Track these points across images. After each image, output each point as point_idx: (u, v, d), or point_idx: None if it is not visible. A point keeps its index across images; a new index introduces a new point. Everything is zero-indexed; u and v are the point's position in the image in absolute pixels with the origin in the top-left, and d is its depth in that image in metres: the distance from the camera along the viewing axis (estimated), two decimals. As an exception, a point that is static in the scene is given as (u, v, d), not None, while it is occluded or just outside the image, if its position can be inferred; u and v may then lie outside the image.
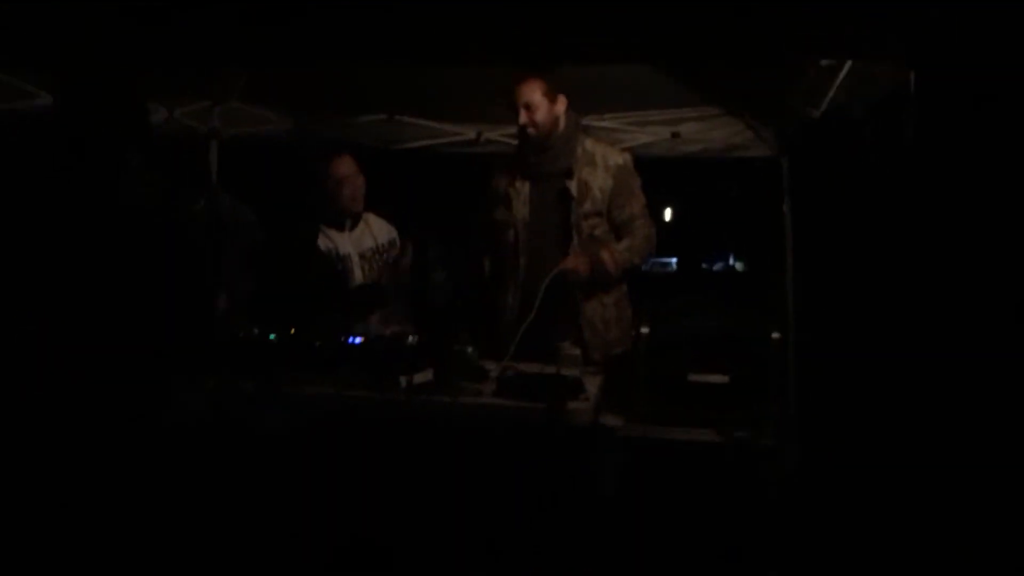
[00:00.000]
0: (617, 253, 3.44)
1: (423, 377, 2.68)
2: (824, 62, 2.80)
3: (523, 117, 3.40)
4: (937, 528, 2.44)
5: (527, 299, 3.35)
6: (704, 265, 10.51)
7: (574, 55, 3.49)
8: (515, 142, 4.35)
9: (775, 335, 3.03)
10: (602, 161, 3.49)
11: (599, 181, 3.46)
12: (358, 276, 3.88)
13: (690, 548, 2.75)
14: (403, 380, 2.66)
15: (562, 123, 3.46)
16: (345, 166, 3.87)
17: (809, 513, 2.89)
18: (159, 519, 2.49)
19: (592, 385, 2.80)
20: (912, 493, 2.61)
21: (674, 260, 10.50)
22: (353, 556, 2.56)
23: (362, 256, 3.92)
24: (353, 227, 3.93)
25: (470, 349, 2.90)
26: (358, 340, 2.88)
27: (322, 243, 3.89)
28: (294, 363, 2.83)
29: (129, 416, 2.45)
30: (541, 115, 3.40)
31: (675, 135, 4.56)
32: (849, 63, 2.73)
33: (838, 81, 2.89)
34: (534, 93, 3.39)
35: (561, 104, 3.45)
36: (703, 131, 4.54)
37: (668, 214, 10.06)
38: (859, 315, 4.04)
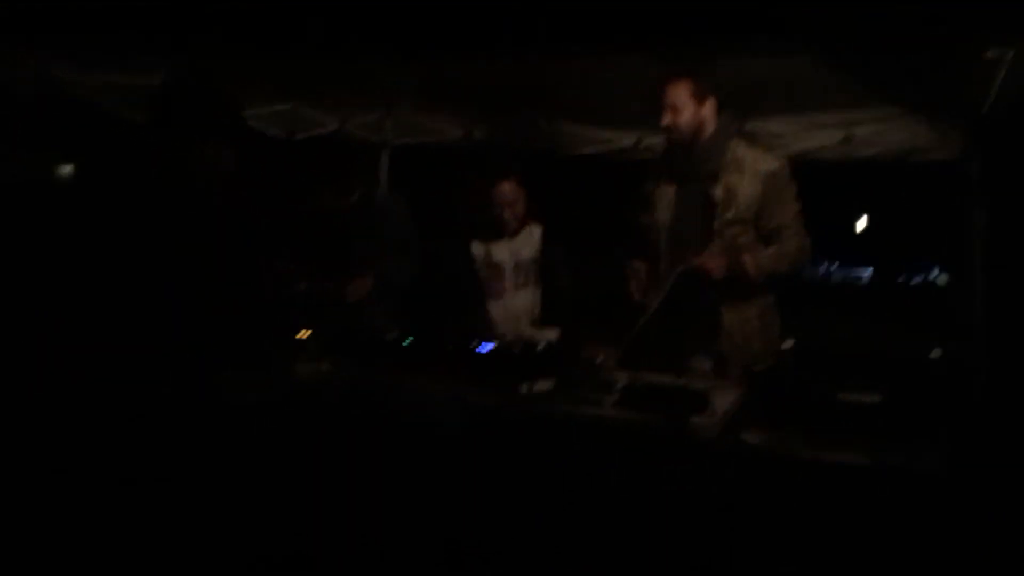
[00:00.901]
0: (761, 258, 3.25)
1: (544, 385, 2.63)
2: (990, 53, 2.53)
3: (666, 118, 3.29)
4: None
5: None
6: (900, 278, 9.86)
7: (729, 47, 3.39)
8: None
9: (936, 353, 2.77)
10: (751, 167, 3.31)
11: (746, 188, 3.28)
12: (508, 285, 3.92)
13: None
14: (524, 387, 2.62)
15: (710, 126, 3.32)
16: (509, 191, 3.92)
17: (965, 547, 2.61)
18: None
19: (724, 399, 2.66)
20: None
21: (867, 272, 9.91)
22: (448, 563, 2.53)
23: (517, 265, 3.96)
24: (514, 236, 3.97)
25: (600, 359, 2.82)
26: (487, 348, 2.86)
27: (475, 249, 3.95)
28: (423, 367, 2.86)
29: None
30: (686, 117, 3.27)
31: (847, 138, 4.29)
32: (1011, 55, 2.46)
33: (1002, 73, 2.61)
34: (681, 94, 3.27)
35: (710, 106, 3.31)
36: (880, 133, 4.24)
37: (862, 223, 9.51)
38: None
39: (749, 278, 3.24)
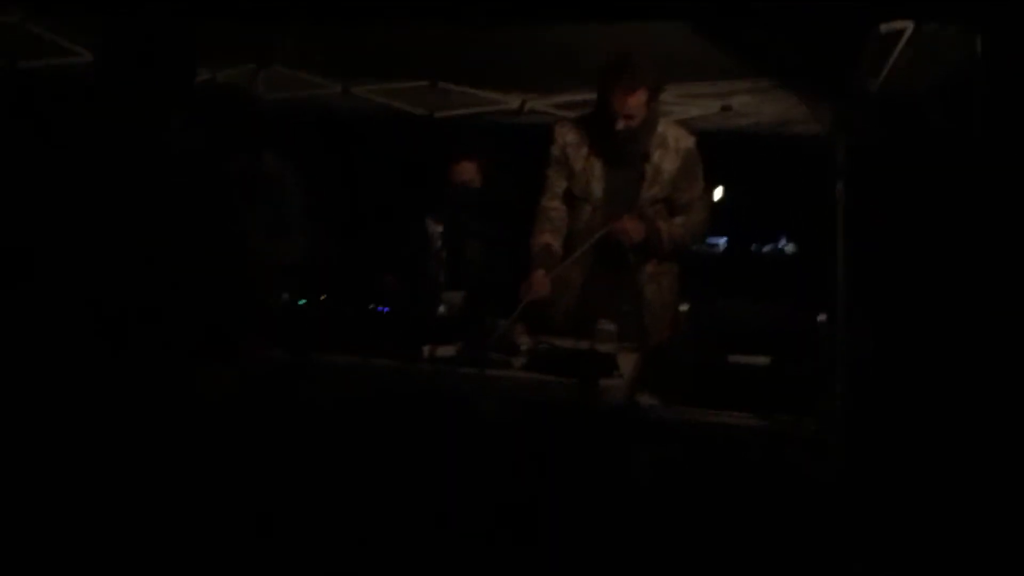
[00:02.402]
0: (674, 227, 3.40)
1: (447, 349, 2.60)
2: (884, 28, 2.63)
3: (621, 124, 3.26)
4: (980, 530, 2.30)
5: (591, 279, 3.36)
6: (753, 247, 10.30)
7: (606, 13, 3.40)
8: (561, 113, 4.27)
9: (821, 318, 2.90)
10: (674, 144, 3.43)
11: (668, 164, 3.41)
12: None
13: (718, 535, 2.63)
14: (426, 350, 2.59)
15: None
16: (467, 172, 3.93)
17: (849, 506, 2.76)
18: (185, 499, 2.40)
19: (627, 363, 2.70)
20: (960, 491, 2.47)
21: (723, 240, 10.29)
22: (367, 531, 2.49)
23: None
24: None
25: (503, 321, 2.81)
26: (386, 309, 2.81)
27: (429, 227, 3.93)
28: (323, 331, 2.76)
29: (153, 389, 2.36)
30: (639, 119, 3.29)
31: (726, 108, 4.39)
32: (910, 30, 2.56)
33: (897, 50, 2.72)
34: (639, 103, 3.25)
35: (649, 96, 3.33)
36: (754, 105, 4.36)
37: (718, 193, 9.84)
38: (913, 304, 3.87)
39: (662, 246, 3.35)
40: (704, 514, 2.64)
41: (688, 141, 3.46)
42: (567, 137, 3.47)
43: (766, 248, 10.30)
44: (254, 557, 2.33)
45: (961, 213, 2.83)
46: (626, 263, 3.33)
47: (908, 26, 2.53)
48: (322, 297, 2.86)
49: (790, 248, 10.08)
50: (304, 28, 4.20)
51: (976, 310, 2.60)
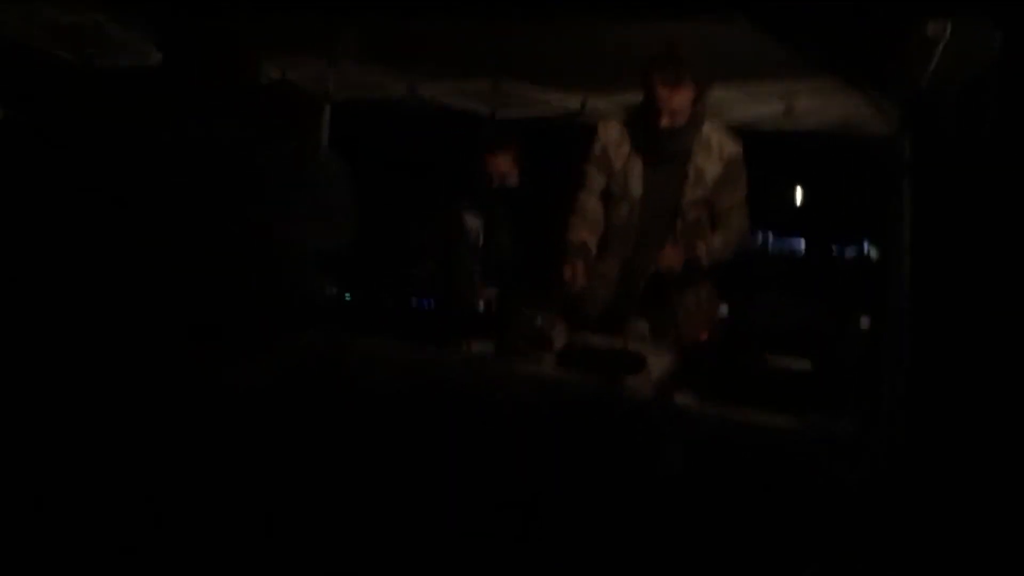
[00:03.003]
0: (712, 249, 3.37)
1: (483, 343, 2.65)
2: (930, 30, 2.58)
3: (665, 121, 3.25)
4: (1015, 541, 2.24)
5: (629, 277, 3.35)
6: (834, 250, 10.07)
7: (665, 8, 3.39)
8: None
9: (864, 323, 2.86)
10: (717, 148, 3.41)
11: (711, 168, 3.38)
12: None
13: (742, 536, 2.62)
14: (463, 345, 2.64)
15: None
16: (504, 163, 3.96)
17: (882, 512, 2.71)
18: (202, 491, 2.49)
19: (660, 363, 2.71)
20: (998, 502, 2.42)
21: (802, 242, 10.10)
22: (391, 526, 2.55)
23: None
24: None
25: (539, 318, 2.85)
26: (427, 303, 2.87)
27: (467, 221, 3.98)
28: (364, 323, 2.85)
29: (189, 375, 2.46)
30: (683, 117, 3.27)
31: (789, 109, 4.34)
32: (949, 33, 2.51)
33: (939, 50, 2.67)
34: (684, 100, 3.24)
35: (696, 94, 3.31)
36: (818, 105, 4.30)
37: (799, 195, 9.68)
38: (974, 311, 3.77)
39: (701, 265, 3.34)
40: (729, 514, 2.64)
41: (733, 147, 3.42)
42: (610, 134, 3.48)
43: (848, 251, 10.08)
44: (282, 547, 2.41)
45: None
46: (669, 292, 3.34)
47: (947, 25, 2.48)
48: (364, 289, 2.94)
49: (874, 252, 9.83)
50: (369, 24, 4.29)
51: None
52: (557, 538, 2.48)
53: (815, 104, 4.30)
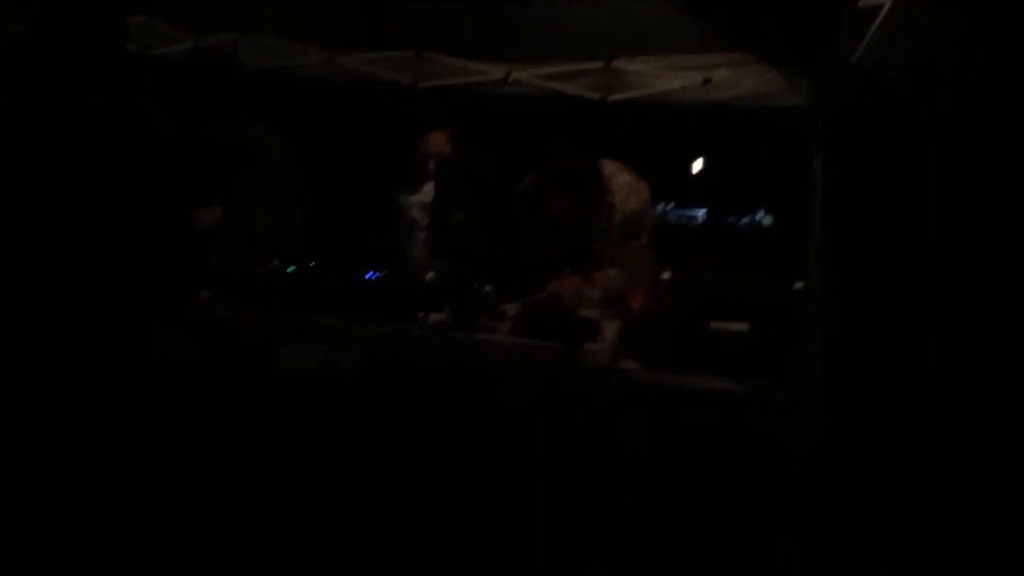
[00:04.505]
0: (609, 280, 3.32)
1: (439, 316, 2.66)
2: (862, 2, 2.68)
3: None
4: (954, 500, 2.37)
5: None
6: (731, 219, 10.39)
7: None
8: (546, 84, 4.34)
9: (798, 285, 2.97)
10: None
11: None
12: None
13: (696, 499, 2.72)
14: (419, 317, 2.64)
15: None
16: (437, 143, 3.90)
17: (823, 471, 2.84)
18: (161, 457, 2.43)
19: (610, 329, 2.77)
20: (934, 461, 2.55)
21: (701, 212, 10.36)
22: (358, 494, 2.55)
23: (422, 207, 3.95)
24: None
25: (488, 288, 2.86)
26: (375, 276, 2.85)
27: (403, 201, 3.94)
28: (312, 298, 2.81)
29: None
30: None
31: (707, 81, 4.44)
32: (888, 4, 2.61)
33: (876, 24, 2.77)
34: None
35: None
36: (735, 78, 4.41)
37: (698, 165, 9.91)
38: (887, 277, 3.95)
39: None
40: (679, 477, 2.73)
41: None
42: None
43: (744, 221, 10.39)
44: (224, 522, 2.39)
45: (933, 189, 2.89)
46: None
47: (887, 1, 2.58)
48: (311, 264, 2.89)
49: (767, 221, 10.18)
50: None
51: (949, 283, 2.65)
52: (519, 502, 2.53)
53: (731, 76, 4.42)
